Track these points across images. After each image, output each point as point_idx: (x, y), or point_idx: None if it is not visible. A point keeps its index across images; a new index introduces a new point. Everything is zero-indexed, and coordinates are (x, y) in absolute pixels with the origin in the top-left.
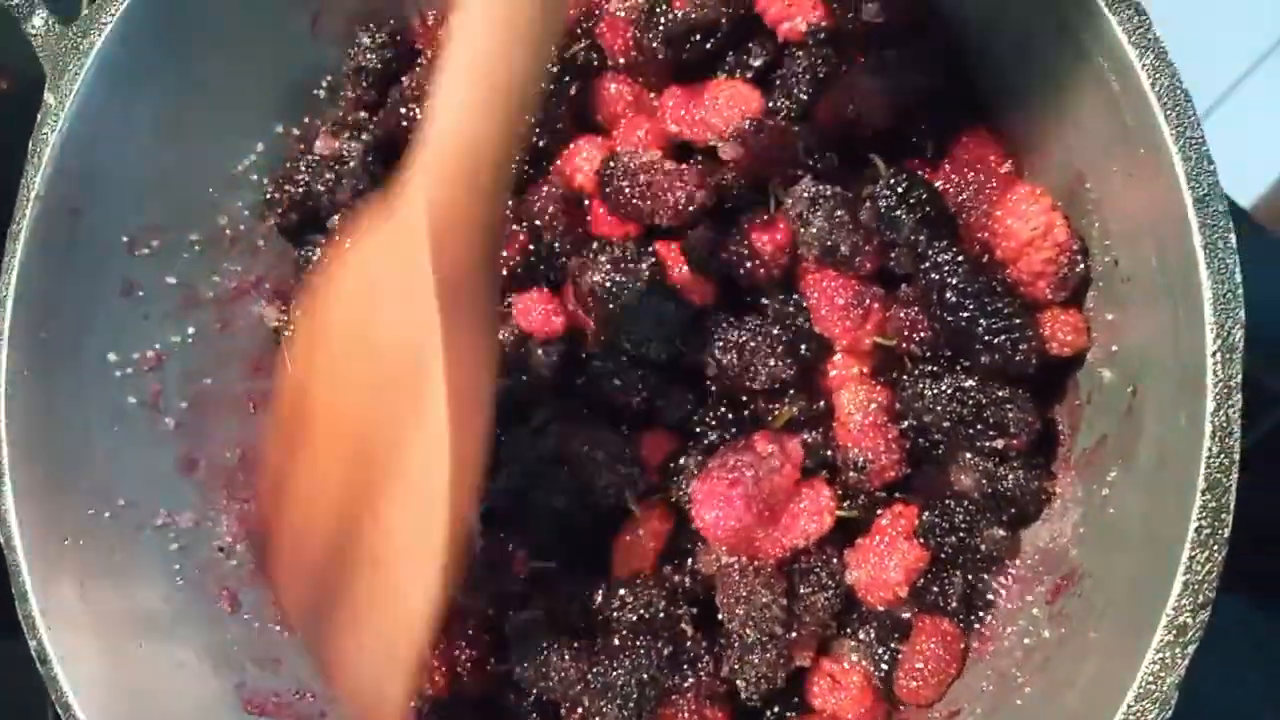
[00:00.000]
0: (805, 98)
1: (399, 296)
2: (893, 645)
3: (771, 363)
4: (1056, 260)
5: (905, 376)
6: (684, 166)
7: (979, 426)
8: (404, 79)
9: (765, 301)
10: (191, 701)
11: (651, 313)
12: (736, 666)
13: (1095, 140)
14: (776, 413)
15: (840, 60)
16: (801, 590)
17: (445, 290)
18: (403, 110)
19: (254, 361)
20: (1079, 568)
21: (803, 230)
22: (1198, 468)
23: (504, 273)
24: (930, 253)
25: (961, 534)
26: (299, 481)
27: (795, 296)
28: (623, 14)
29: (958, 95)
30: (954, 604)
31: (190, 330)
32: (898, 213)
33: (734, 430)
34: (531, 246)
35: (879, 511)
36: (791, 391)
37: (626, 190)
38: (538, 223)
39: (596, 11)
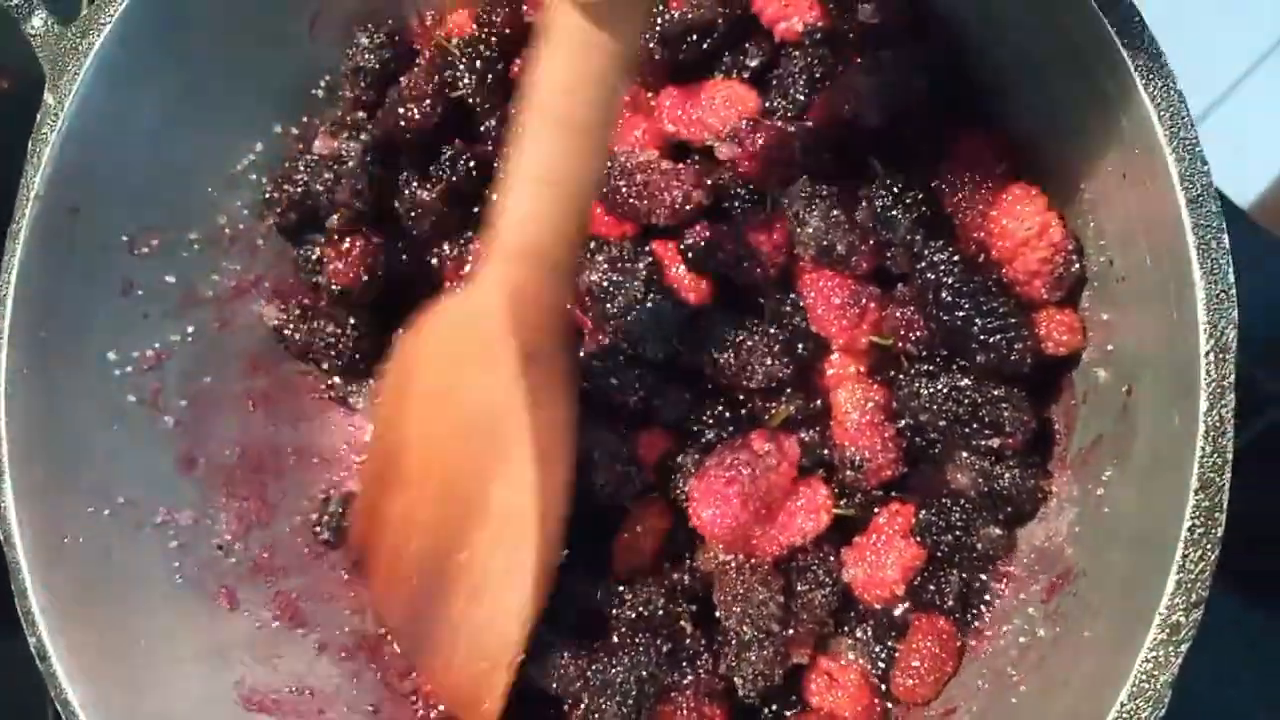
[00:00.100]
0: (802, 98)
1: (481, 365)
2: (889, 643)
3: (768, 361)
4: (1052, 260)
5: (901, 375)
6: (681, 166)
7: (975, 425)
8: (402, 79)
9: (762, 301)
10: (190, 699)
11: (648, 312)
12: (734, 664)
13: (1090, 141)
14: (774, 411)
15: (837, 61)
16: (798, 588)
17: (524, 359)
18: (401, 110)
19: (253, 360)
20: (1074, 567)
21: (799, 230)
22: (1191, 467)
23: None
24: (926, 252)
25: (958, 532)
26: (393, 511)
27: (792, 296)
28: None
29: (953, 96)
30: (950, 602)
31: (190, 329)
32: (894, 212)
33: (731, 429)
34: None
35: (876, 510)
36: (789, 390)
37: (623, 190)
38: None
39: None
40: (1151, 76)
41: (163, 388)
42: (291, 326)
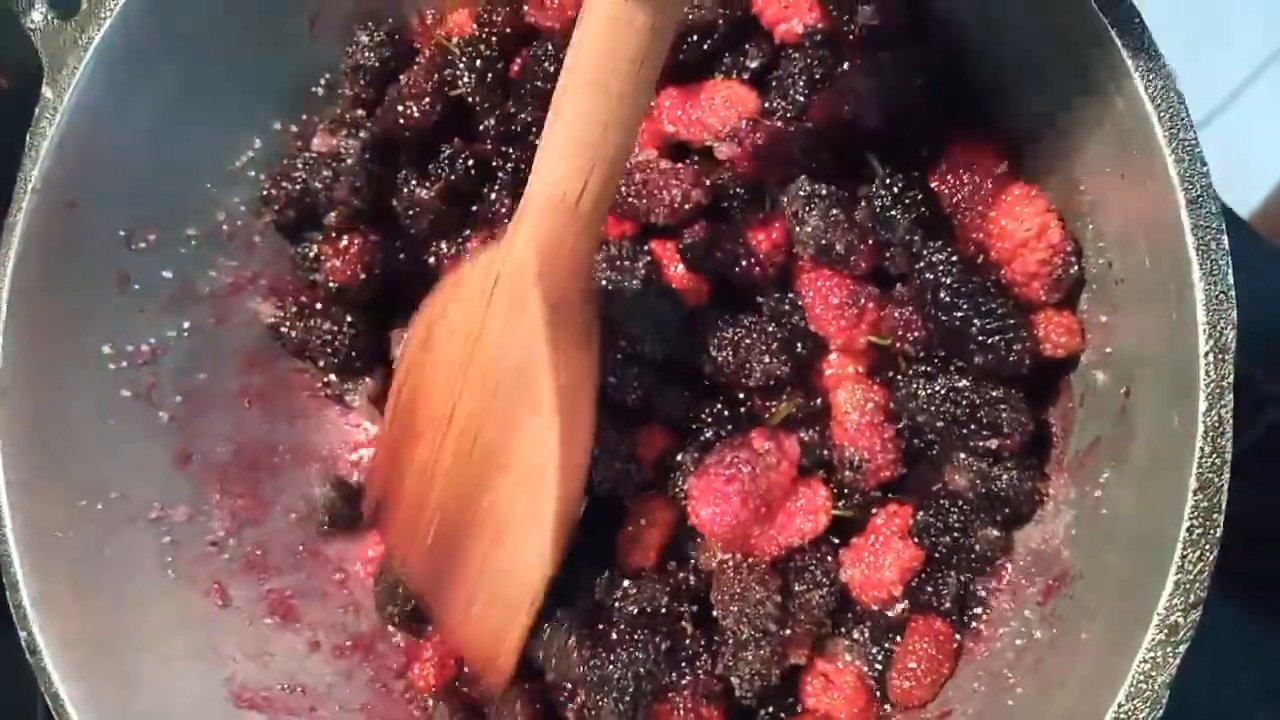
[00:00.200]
0: (802, 99)
1: (511, 315)
2: (886, 645)
3: (767, 360)
4: (1051, 262)
5: (899, 376)
6: (680, 166)
7: (973, 427)
8: (402, 77)
9: (761, 300)
10: (181, 694)
11: (647, 310)
12: (731, 663)
13: (1090, 142)
14: (774, 410)
15: (836, 62)
16: (796, 588)
17: (552, 311)
18: (400, 108)
19: (249, 357)
20: (1071, 569)
21: (798, 229)
22: (1190, 468)
23: None
24: (925, 253)
25: (956, 534)
26: (414, 459)
27: (791, 295)
28: None
29: (953, 97)
30: (948, 604)
31: (186, 325)
32: (893, 212)
33: (730, 427)
34: None
35: (874, 511)
36: (788, 389)
37: (622, 189)
38: None
39: None
40: (1151, 77)
41: (158, 383)
42: (288, 324)
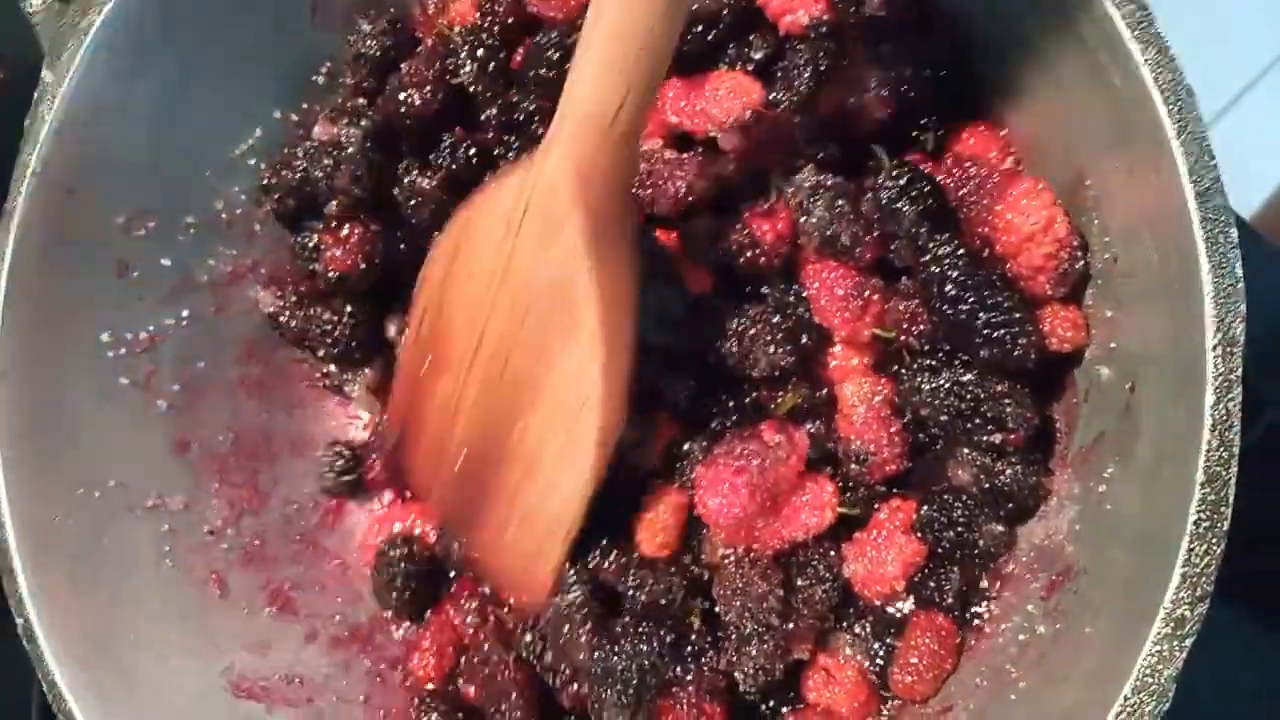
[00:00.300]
0: (806, 90)
1: (545, 238)
2: (888, 640)
3: (771, 349)
4: (1057, 256)
5: (903, 370)
6: (684, 156)
7: (977, 421)
8: (403, 66)
9: (765, 291)
10: (178, 684)
11: (651, 301)
12: (734, 658)
13: (1097, 136)
14: (780, 400)
15: (842, 53)
16: (799, 582)
17: (592, 230)
18: (401, 97)
19: (248, 346)
20: (1075, 564)
21: (803, 219)
22: (1197, 461)
23: None
24: (931, 245)
25: (960, 529)
26: (437, 393)
27: (796, 286)
28: None
29: (959, 89)
30: (950, 599)
31: (185, 313)
32: (899, 204)
33: (735, 417)
34: None
35: (877, 506)
36: (793, 379)
37: None
38: None
39: None
40: (1160, 70)
41: (156, 371)
42: (287, 313)
